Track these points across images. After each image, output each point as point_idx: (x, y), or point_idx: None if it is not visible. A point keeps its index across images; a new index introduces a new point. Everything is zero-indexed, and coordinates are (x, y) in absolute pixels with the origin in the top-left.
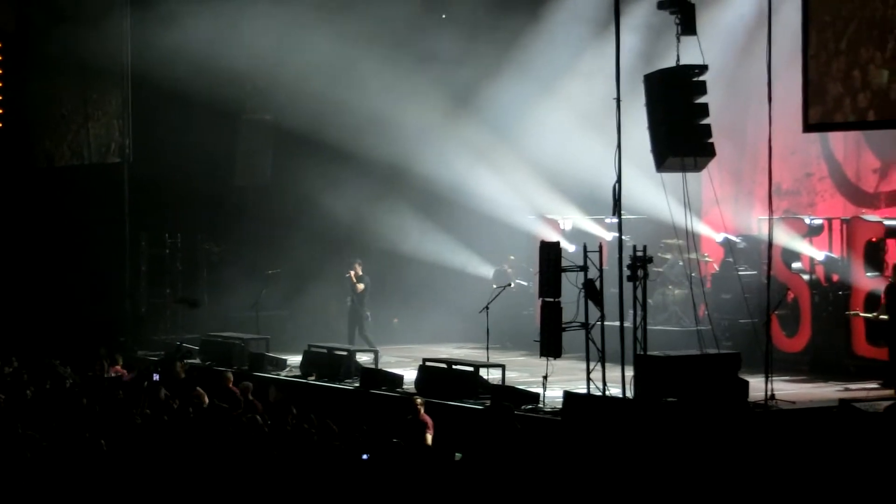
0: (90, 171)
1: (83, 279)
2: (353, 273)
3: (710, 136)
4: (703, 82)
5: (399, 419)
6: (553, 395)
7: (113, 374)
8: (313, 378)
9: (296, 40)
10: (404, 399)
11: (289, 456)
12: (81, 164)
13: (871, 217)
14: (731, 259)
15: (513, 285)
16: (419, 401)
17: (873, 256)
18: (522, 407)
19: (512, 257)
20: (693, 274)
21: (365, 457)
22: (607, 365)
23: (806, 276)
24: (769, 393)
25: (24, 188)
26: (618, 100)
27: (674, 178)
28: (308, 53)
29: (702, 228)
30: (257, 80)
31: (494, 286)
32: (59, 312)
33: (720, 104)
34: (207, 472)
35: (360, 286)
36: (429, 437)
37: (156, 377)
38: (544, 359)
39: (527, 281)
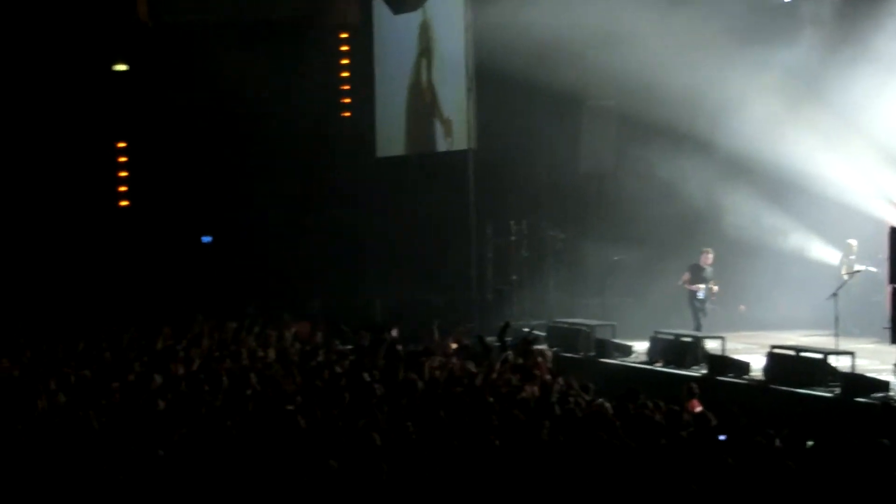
0: (435, 160)
1: (429, 267)
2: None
3: None
4: None
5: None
6: None
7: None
8: (660, 364)
9: (636, 25)
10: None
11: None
12: (426, 153)
13: None
14: None
15: (863, 269)
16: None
17: None
18: (872, 395)
19: (851, 242)
20: None
21: (722, 437)
22: None
23: None
24: None
25: (370, 178)
26: None
27: None
28: (648, 38)
29: None
30: (599, 66)
31: (843, 272)
32: (405, 300)
33: None
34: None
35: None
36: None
37: None
38: (895, 346)
39: (876, 267)
